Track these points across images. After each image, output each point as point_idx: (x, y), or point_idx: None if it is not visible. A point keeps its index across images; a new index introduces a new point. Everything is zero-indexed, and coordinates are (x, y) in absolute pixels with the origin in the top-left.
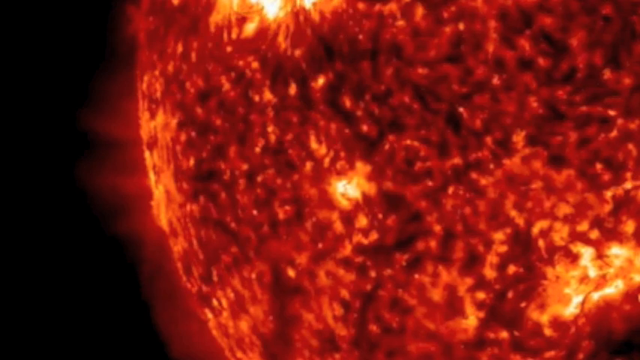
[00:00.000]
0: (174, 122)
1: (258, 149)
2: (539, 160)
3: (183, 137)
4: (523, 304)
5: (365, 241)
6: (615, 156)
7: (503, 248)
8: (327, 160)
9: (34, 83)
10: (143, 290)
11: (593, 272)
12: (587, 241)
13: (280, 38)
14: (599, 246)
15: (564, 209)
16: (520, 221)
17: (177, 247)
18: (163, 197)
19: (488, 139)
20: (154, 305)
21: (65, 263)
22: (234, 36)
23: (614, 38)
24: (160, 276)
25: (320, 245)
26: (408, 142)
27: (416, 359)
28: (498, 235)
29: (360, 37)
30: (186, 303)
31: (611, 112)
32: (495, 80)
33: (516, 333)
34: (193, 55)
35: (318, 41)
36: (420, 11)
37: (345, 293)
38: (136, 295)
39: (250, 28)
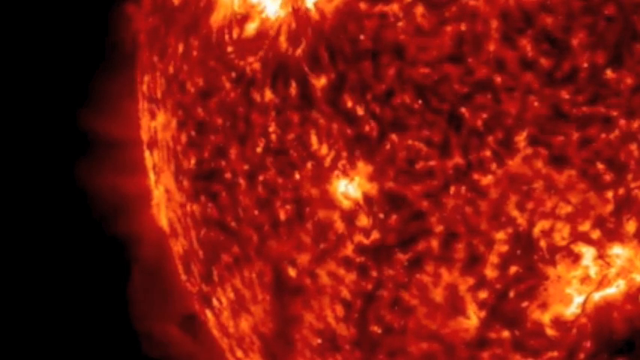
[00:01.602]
0: (174, 122)
1: (259, 149)
2: (541, 160)
3: (183, 137)
4: (524, 304)
5: (366, 241)
6: (617, 156)
7: (505, 248)
8: (328, 160)
9: (34, 83)
10: (128, 288)
11: (594, 272)
12: (589, 241)
13: (281, 38)
14: (600, 246)
15: (566, 209)
16: (522, 221)
17: (178, 246)
18: (163, 197)
19: (490, 139)
20: (135, 303)
21: (65, 263)
22: (235, 36)
23: (616, 38)
24: (155, 276)
25: (321, 245)
26: (410, 141)
27: (417, 359)
28: (500, 235)
29: (362, 37)
30: (182, 303)
31: (613, 113)
32: (497, 80)
33: (517, 333)
34: (194, 55)
35: (320, 41)
36: (421, 11)
37: (346, 293)
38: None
39: (251, 27)
